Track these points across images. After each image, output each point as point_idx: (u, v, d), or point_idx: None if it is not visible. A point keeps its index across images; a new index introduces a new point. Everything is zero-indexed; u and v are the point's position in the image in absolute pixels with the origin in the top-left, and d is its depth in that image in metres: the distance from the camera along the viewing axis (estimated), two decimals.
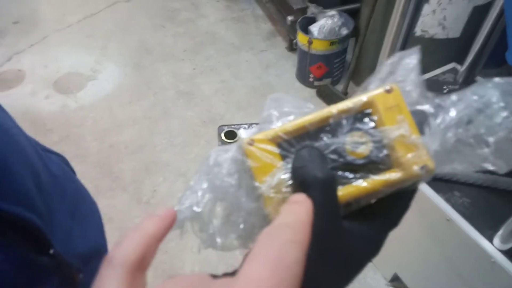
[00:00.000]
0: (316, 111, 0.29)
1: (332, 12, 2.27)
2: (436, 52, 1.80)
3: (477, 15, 1.60)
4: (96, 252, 0.55)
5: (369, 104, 0.29)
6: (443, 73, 1.43)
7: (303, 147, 0.28)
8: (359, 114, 0.29)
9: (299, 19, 2.31)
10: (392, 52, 1.08)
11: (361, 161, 0.28)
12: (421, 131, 0.28)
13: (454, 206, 1.06)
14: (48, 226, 0.42)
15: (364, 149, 0.28)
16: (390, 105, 0.28)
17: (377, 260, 1.59)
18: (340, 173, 0.28)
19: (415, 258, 1.36)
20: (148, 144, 2.07)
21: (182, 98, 2.33)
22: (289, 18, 2.43)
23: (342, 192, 0.27)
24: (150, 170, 1.95)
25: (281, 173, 0.27)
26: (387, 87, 0.28)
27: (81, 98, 2.32)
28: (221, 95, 2.34)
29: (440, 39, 1.76)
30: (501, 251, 0.96)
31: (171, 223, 0.27)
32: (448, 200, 1.08)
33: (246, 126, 1.48)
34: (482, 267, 1.00)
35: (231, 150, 0.30)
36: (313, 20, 2.32)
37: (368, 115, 0.29)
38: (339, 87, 2.34)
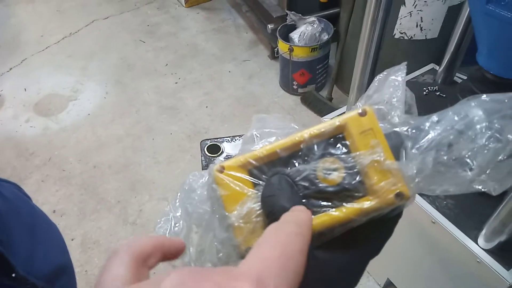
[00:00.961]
0: (290, 135, 0.28)
1: (312, 18, 2.27)
2: (416, 54, 1.79)
3: (453, 15, 1.59)
4: (61, 271, 0.55)
5: (342, 128, 0.28)
6: (422, 74, 1.42)
7: (274, 174, 0.27)
8: (332, 139, 0.28)
9: (279, 27, 2.30)
10: (367, 57, 1.07)
11: (333, 189, 0.26)
12: (397, 156, 0.27)
13: (439, 208, 1.06)
14: (8, 249, 0.43)
15: (337, 176, 0.27)
16: (364, 128, 0.27)
17: (369, 266, 1.56)
18: (312, 201, 0.27)
19: (406, 263, 1.34)
20: (133, 163, 2.04)
21: (166, 113, 2.30)
22: (270, 26, 2.42)
23: (314, 221, 0.26)
24: (135, 189, 1.92)
25: (251, 202, 0.26)
26: (360, 110, 0.27)
27: (63, 120, 2.28)
28: (205, 108, 2.31)
29: (419, 40, 1.76)
30: (486, 250, 0.95)
31: (178, 251, 0.27)
32: (432, 203, 1.07)
33: (229, 139, 1.45)
34: (469, 267, 1.00)
35: (206, 176, 0.30)
36: (293, 28, 2.32)
37: (341, 139, 0.28)
38: (324, 93, 2.33)
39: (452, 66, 1.28)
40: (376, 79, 0.31)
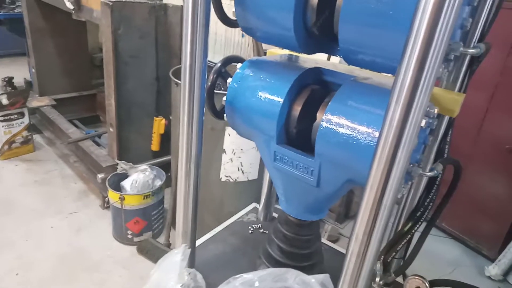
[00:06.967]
0: None
1: (144, 166, 2.30)
2: (241, 194, 1.95)
3: None
4: None
5: None
6: (247, 213, 1.51)
7: None
8: None
9: (109, 177, 2.23)
10: (186, 207, 1.09)
11: None
12: None
13: None
14: None
15: None
16: None
17: None
18: None
19: None
20: None
21: None
22: (100, 176, 2.34)
23: None
24: None
25: None
26: None
27: None
28: (15, 276, 1.90)
29: (242, 182, 1.93)
30: None
31: None
32: None
33: None
34: None
35: None
36: (125, 176, 2.28)
37: None
38: (162, 239, 2.24)
39: (269, 204, 1.41)
40: (159, 261, 0.35)
